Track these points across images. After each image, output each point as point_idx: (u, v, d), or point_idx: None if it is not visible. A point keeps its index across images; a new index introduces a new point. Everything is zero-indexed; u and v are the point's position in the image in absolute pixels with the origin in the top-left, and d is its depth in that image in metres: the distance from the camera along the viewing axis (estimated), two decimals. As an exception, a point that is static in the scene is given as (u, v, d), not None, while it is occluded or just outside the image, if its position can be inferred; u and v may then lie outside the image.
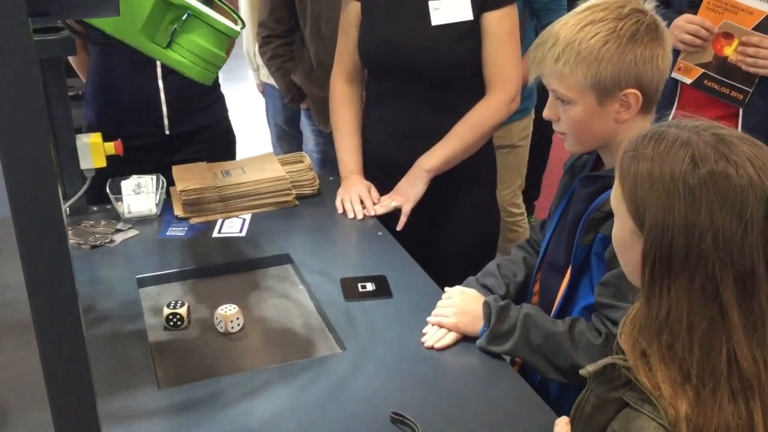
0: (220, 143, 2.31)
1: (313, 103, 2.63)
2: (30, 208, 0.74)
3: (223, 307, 1.52)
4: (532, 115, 2.89)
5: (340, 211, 1.94)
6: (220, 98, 2.34)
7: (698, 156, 0.88)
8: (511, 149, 2.80)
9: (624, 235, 0.97)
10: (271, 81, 3.00)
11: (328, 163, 2.65)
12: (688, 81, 2.12)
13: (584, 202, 1.42)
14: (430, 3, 1.87)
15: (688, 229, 0.86)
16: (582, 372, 0.99)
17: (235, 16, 1.49)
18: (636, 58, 1.30)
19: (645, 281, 0.91)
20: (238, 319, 1.51)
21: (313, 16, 2.50)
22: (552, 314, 1.46)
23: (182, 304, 1.53)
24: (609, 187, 1.35)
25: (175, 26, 1.38)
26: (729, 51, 2.07)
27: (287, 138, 2.99)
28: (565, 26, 1.35)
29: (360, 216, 1.90)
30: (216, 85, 2.32)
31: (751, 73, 2.04)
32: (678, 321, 0.87)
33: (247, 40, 3.10)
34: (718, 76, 2.09)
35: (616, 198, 0.98)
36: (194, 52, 1.40)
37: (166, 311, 1.52)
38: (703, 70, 2.10)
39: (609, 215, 1.33)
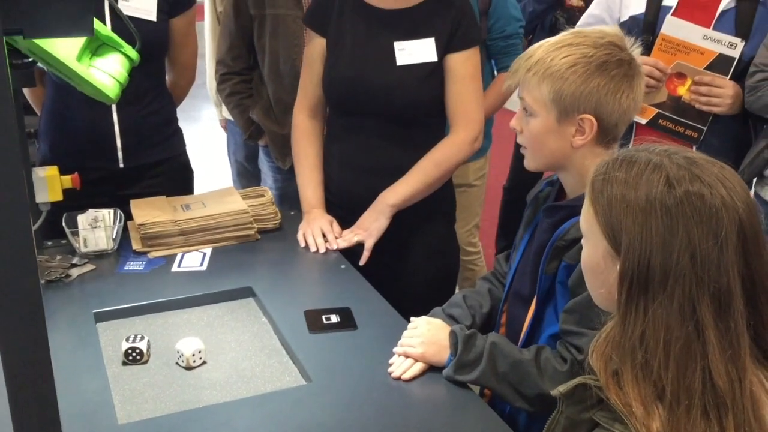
0: (177, 177, 2.28)
1: (271, 140, 2.62)
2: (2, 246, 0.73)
3: (184, 340, 1.49)
4: (488, 155, 2.94)
5: (302, 244, 1.93)
6: (178, 132, 2.33)
7: (673, 177, 0.90)
8: (467, 188, 2.84)
9: (596, 258, 0.98)
10: (232, 117, 3.01)
11: (286, 200, 2.64)
12: (643, 121, 2.18)
13: (548, 232, 1.44)
14: (395, 44, 1.90)
15: (665, 248, 0.88)
16: (553, 392, 1.00)
17: (135, 36, 1.75)
18: (599, 86, 1.34)
19: (621, 301, 0.92)
20: (200, 352, 1.48)
21: (271, 54, 2.52)
22: (519, 344, 1.47)
23: (141, 338, 1.50)
24: (571, 216, 1.39)
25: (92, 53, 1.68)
26: (682, 90, 2.15)
27: (247, 174, 2.98)
28: (545, 44, 1.39)
29: (322, 249, 1.90)
30: (173, 119, 2.31)
31: (704, 111, 2.11)
32: (655, 339, 0.89)
33: (210, 78, 3.10)
34: (672, 116, 2.16)
35: (587, 221, 0.99)
36: (109, 72, 1.68)
37: (125, 345, 1.48)
38: (657, 110, 2.17)
39: (572, 243, 1.36)
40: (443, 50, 1.90)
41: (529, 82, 1.37)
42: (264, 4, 2.49)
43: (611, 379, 0.92)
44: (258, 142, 2.71)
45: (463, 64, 1.92)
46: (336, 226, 1.95)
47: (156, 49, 2.10)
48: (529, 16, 3.19)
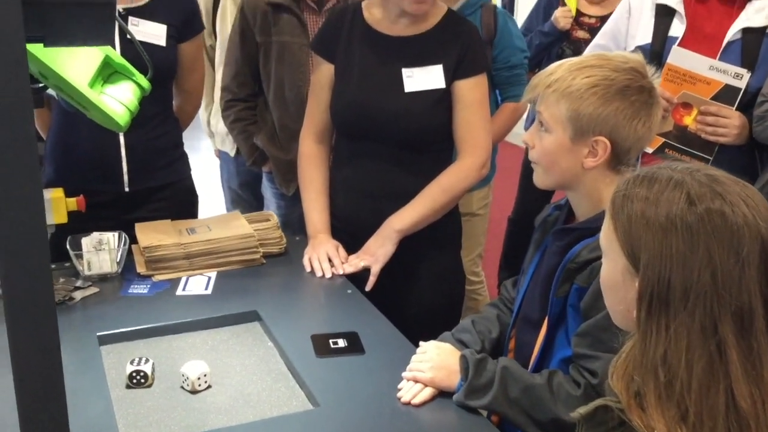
0: (181, 201, 2.27)
1: (276, 166, 2.62)
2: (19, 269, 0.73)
3: (189, 363, 1.47)
4: (492, 185, 2.95)
5: (308, 269, 1.91)
6: (183, 156, 2.32)
7: (694, 195, 0.90)
8: (471, 217, 2.83)
9: (615, 275, 0.97)
10: (225, 148, 3.02)
11: (290, 226, 2.63)
12: (650, 150, 2.18)
13: (558, 255, 1.43)
14: (403, 70, 1.91)
15: (686, 265, 0.87)
16: (573, 415, 0.98)
17: (147, 64, 1.74)
18: (618, 110, 1.34)
19: (641, 319, 0.91)
20: (205, 376, 1.46)
21: (277, 81, 2.53)
22: (529, 369, 1.45)
23: (146, 361, 1.47)
24: (582, 239, 1.38)
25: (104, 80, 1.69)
26: (688, 120, 2.15)
27: (242, 202, 2.99)
28: (567, 63, 1.39)
29: (328, 274, 1.88)
30: (179, 143, 2.31)
31: (710, 141, 2.11)
32: (676, 358, 0.87)
33: (204, 110, 3.12)
34: (678, 145, 2.16)
35: (607, 237, 0.98)
36: (120, 100, 1.69)
37: (129, 368, 1.46)
38: (664, 140, 2.17)
39: (584, 265, 1.35)
40: (451, 77, 1.91)
41: (548, 98, 1.37)
42: (270, 31, 2.51)
43: (633, 400, 0.90)
44: (261, 168, 2.71)
45: (471, 91, 1.92)
46: (342, 251, 1.94)
47: (165, 74, 2.11)
48: (536, 48, 3.23)
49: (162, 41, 2.09)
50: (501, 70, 2.69)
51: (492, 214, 3.02)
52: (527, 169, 3.58)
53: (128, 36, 1.86)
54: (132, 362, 1.47)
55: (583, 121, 1.35)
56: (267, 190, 2.78)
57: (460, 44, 1.91)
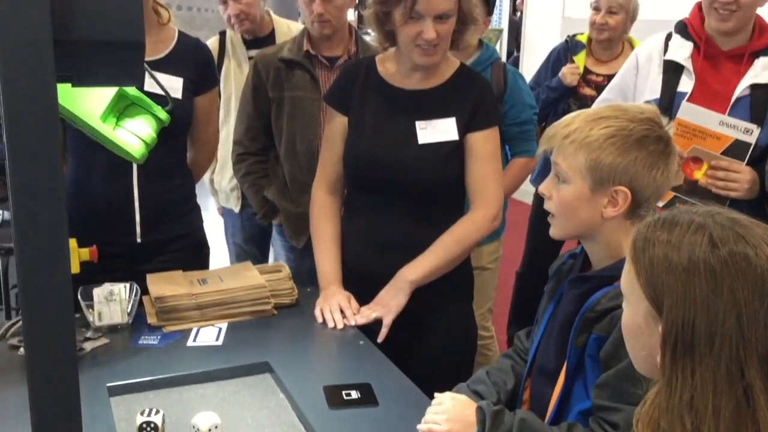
0: (193, 253, 2.27)
1: (286, 219, 2.63)
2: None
3: (200, 415, 1.44)
4: (502, 239, 2.94)
5: (320, 320, 1.90)
6: (196, 208, 2.33)
7: (716, 237, 0.89)
8: (481, 271, 2.82)
9: (638, 320, 0.96)
10: (229, 204, 3.04)
11: (300, 279, 2.62)
12: (661, 204, 2.18)
13: (574, 304, 1.41)
14: (417, 123, 1.93)
15: (710, 309, 0.86)
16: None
17: (168, 98, 1.77)
18: (637, 159, 1.34)
19: (666, 364, 0.89)
20: (216, 428, 1.43)
21: (288, 134, 2.56)
22: (546, 421, 1.42)
23: (156, 412, 1.45)
24: (599, 287, 1.37)
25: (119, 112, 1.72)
26: (699, 175, 2.15)
27: (247, 257, 2.99)
28: (583, 114, 1.41)
29: (340, 325, 1.86)
30: (192, 195, 2.32)
31: (721, 195, 2.11)
32: (703, 404, 0.85)
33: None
34: (689, 199, 2.16)
35: (628, 282, 0.98)
36: (136, 133, 1.70)
37: (140, 419, 1.43)
38: (674, 194, 2.17)
39: (602, 315, 1.34)
40: (464, 129, 1.92)
41: (566, 148, 1.38)
42: (283, 87, 2.55)
43: None
44: (272, 221, 2.72)
45: (484, 144, 1.94)
46: (354, 302, 1.93)
47: (180, 126, 2.13)
48: (543, 103, 3.27)
49: (179, 94, 2.12)
50: (511, 126, 2.72)
51: (500, 269, 3.01)
52: (535, 224, 3.59)
53: (150, 76, 1.86)
54: (142, 413, 1.44)
55: (603, 171, 1.35)
56: (277, 242, 2.78)
57: (473, 98, 1.94)
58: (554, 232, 1.47)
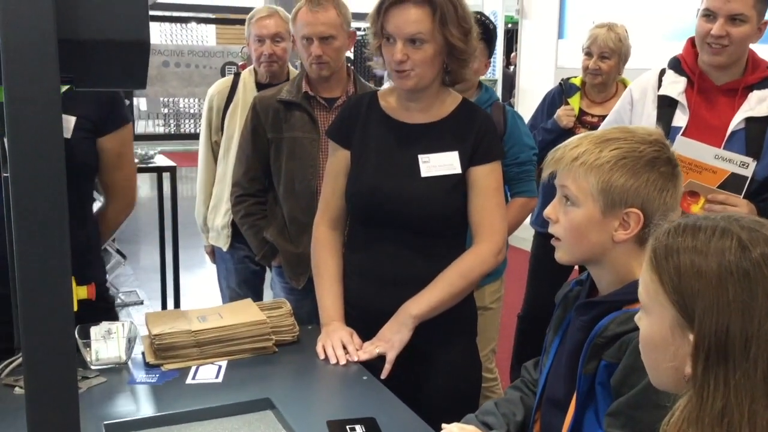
0: (95, 308, 1.92)
1: (285, 260, 2.61)
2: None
3: (200, 450, 1.40)
4: (503, 278, 2.92)
5: (322, 356, 1.86)
6: (99, 261, 2.19)
7: (746, 240, 0.88)
8: (483, 311, 2.78)
9: (662, 331, 0.93)
10: (219, 243, 3.03)
11: (300, 320, 2.58)
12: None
13: (582, 331, 1.38)
14: (419, 156, 1.92)
15: (745, 314, 0.84)
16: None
17: None
18: (648, 181, 1.33)
19: (698, 374, 0.86)
20: (217, 463, 1.38)
21: (287, 174, 2.56)
22: (558, 452, 1.38)
23: (155, 448, 1.40)
24: (608, 312, 1.34)
25: None
26: (696, 209, 2.14)
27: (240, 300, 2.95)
28: (590, 135, 1.39)
29: (342, 361, 1.83)
30: (94, 246, 2.16)
31: None
32: (738, 413, 0.82)
33: (199, 204, 3.15)
34: None
35: (648, 292, 0.95)
36: None
37: (137, 456, 1.39)
38: None
39: (612, 340, 1.31)
40: (467, 163, 1.92)
41: (576, 170, 1.35)
42: (282, 128, 2.56)
43: None
44: (271, 262, 2.69)
45: (486, 177, 1.93)
46: (356, 338, 1.89)
47: (73, 169, 1.91)
48: (540, 144, 3.28)
49: (68, 134, 1.92)
50: (510, 166, 2.72)
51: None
52: (535, 266, 3.56)
53: None
54: (140, 450, 1.40)
55: (614, 194, 1.33)
56: (276, 284, 2.75)
57: (475, 131, 1.93)
58: (561, 256, 1.44)
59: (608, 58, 3.33)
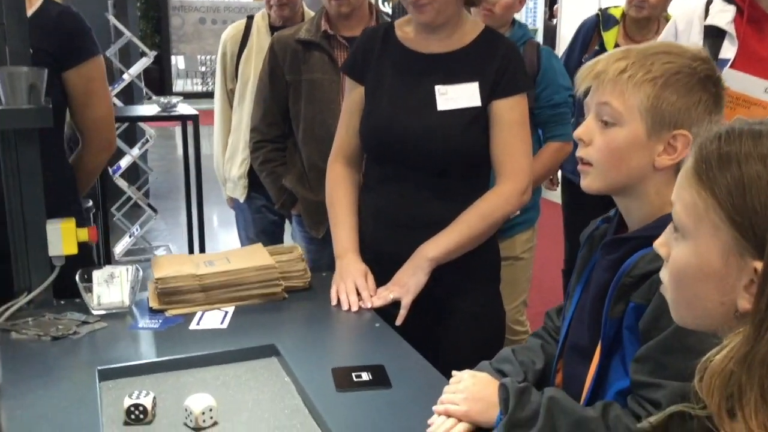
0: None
1: (305, 209, 2.51)
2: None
3: (193, 397, 1.31)
4: (536, 227, 2.77)
5: (334, 302, 1.75)
6: (73, 209, 2.01)
7: None
8: (514, 261, 2.66)
9: (710, 259, 0.79)
10: (236, 194, 2.94)
11: (319, 271, 2.49)
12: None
13: (609, 271, 1.25)
14: (437, 87, 1.78)
15: None
16: (641, 425, 0.79)
17: None
18: (701, 101, 1.17)
19: (761, 307, 0.72)
20: (210, 410, 1.29)
21: (306, 119, 2.44)
22: (582, 404, 1.25)
23: (147, 394, 1.32)
24: (637, 249, 1.20)
25: None
26: None
27: None
28: (635, 48, 1.23)
29: (355, 308, 1.72)
30: (66, 192, 2.03)
31: None
32: None
33: (217, 155, 3.05)
34: None
35: (690, 212, 0.81)
36: None
37: (127, 402, 1.30)
38: None
39: (641, 280, 1.17)
40: (488, 96, 1.77)
41: (623, 84, 1.19)
42: (300, 69, 2.43)
43: (724, 404, 0.71)
44: (290, 210, 2.60)
45: (510, 111, 1.78)
46: (371, 281, 1.78)
47: None
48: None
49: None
50: (544, 108, 2.57)
51: (537, 258, 2.83)
52: (570, 217, 3.37)
53: None
54: (130, 395, 1.31)
55: (664, 113, 1.17)
56: (296, 234, 2.66)
57: (498, 62, 1.78)
58: (590, 183, 1.26)
59: None
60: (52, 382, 1.41)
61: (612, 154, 1.22)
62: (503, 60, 1.79)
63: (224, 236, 5.20)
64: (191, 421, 1.29)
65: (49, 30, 1.88)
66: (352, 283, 1.75)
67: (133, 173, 5.71)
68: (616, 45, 3.09)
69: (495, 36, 1.85)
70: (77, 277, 1.73)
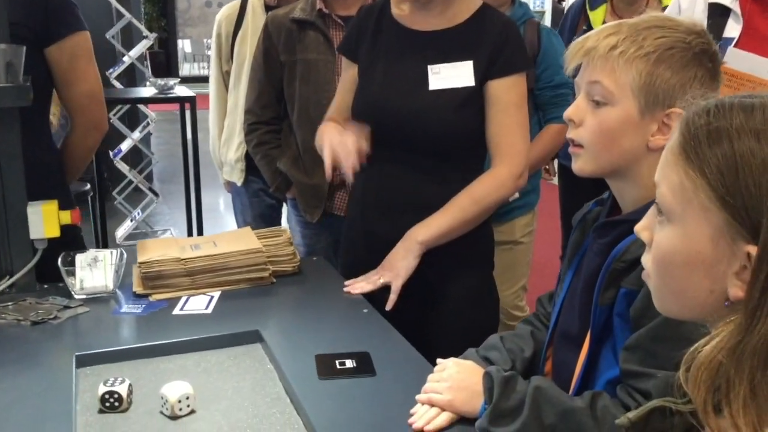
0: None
1: (299, 192, 2.46)
2: None
3: (169, 384, 1.27)
4: (536, 211, 2.72)
5: (328, 172, 1.69)
6: (56, 190, 1.91)
7: None
8: (513, 246, 2.61)
9: (699, 243, 0.73)
10: (233, 178, 2.89)
11: (315, 256, 2.45)
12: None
13: (600, 255, 1.19)
14: (429, 67, 1.72)
15: None
16: (619, 422, 0.74)
17: None
18: (697, 77, 1.11)
19: (754, 294, 0.67)
20: (187, 398, 1.25)
21: (301, 100, 2.38)
22: (570, 393, 1.20)
23: (122, 381, 1.28)
24: (629, 234, 1.15)
25: None
26: None
27: None
28: (627, 23, 1.16)
29: (359, 290, 1.68)
30: (48, 176, 1.94)
31: None
32: None
33: (213, 138, 3.00)
34: None
35: (676, 193, 0.75)
36: None
37: (102, 389, 1.26)
38: None
39: (633, 265, 1.12)
40: (482, 75, 1.71)
41: (614, 61, 1.12)
42: (295, 49, 2.37)
43: (710, 398, 0.66)
44: (285, 194, 2.55)
45: (507, 92, 1.72)
46: (363, 141, 1.69)
47: None
48: None
49: None
50: (545, 89, 2.50)
51: (536, 243, 2.77)
52: (567, 203, 3.30)
53: None
54: (105, 383, 1.27)
55: (658, 90, 1.11)
56: (291, 218, 2.61)
57: (494, 40, 1.72)
58: (581, 166, 1.21)
59: None
60: (28, 368, 1.37)
61: (604, 135, 1.16)
62: (499, 38, 1.72)
63: (230, 220, 5.16)
64: (167, 409, 1.25)
65: (29, 4, 1.81)
66: (344, 145, 1.67)
67: (136, 157, 5.68)
68: (604, 23, 2.99)
69: (492, 13, 1.79)
70: (59, 261, 1.70)
